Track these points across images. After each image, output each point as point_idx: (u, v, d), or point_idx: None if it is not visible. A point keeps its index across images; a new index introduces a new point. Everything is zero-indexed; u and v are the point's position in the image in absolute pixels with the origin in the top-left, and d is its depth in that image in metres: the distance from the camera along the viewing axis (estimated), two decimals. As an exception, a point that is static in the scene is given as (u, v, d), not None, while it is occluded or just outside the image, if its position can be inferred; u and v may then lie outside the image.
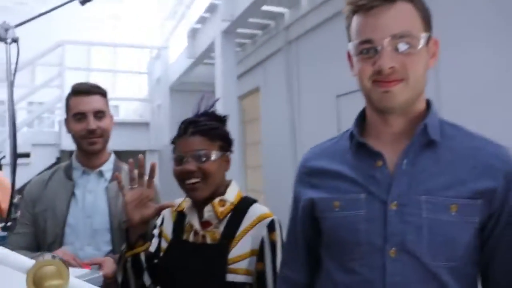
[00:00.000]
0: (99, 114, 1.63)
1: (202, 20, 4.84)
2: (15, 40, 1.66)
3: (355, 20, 0.92)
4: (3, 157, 5.19)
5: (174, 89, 6.36)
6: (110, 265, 1.46)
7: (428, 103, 0.97)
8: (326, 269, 1.01)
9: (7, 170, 4.51)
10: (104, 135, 1.65)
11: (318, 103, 3.85)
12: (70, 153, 5.29)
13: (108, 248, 1.60)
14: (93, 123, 1.60)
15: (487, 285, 0.93)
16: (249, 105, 5.70)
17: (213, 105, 1.44)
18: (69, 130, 1.65)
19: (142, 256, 1.32)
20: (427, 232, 0.86)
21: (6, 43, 1.65)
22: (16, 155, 1.61)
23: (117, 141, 2.10)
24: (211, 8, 4.45)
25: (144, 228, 1.33)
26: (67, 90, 1.78)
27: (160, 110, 5.46)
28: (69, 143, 4.81)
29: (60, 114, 5.69)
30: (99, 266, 1.45)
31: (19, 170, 3.27)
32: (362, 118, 1.02)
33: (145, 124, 5.23)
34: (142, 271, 1.33)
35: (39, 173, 3.66)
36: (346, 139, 1.03)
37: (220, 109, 4.55)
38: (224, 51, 4.16)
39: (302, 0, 3.94)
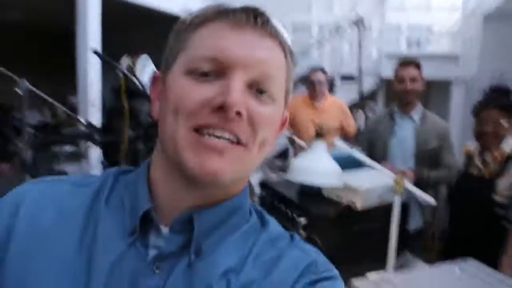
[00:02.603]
0: (413, 79, 2.57)
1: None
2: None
3: None
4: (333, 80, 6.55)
5: (488, 18, 6.43)
6: (410, 174, 2.42)
7: None
8: None
9: (339, 92, 5.81)
10: (415, 93, 2.58)
11: None
12: (387, 81, 6.39)
13: (412, 166, 2.56)
14: (409, 86, 2.56)
15: None
16: None
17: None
18: (394, 88, 2.67)
19: None
20: None
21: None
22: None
23: (428, 72, 2.83)
24: None
25: None
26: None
27: (472, 42, 5.81)
28: (388, 73, 5.87)
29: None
30: (404, 173, 2.45)
31: (347, 90, 5.03)
32: None
33: (454, 57, 5.75)
34: None
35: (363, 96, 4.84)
36: None
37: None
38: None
39: None
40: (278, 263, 0.61)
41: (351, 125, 3.71)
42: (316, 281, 0.60)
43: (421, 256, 2.34)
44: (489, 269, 1.33)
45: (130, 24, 6.19)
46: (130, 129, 2.34)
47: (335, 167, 1.47)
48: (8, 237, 0.60)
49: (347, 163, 1.77)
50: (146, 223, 0.60)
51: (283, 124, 0.66)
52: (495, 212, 2.13)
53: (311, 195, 1.87)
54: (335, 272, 0.63)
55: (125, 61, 2.39)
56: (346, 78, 5.66)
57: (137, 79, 2.38)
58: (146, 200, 0.61)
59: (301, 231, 1.61)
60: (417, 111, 2.63)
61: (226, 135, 0.55)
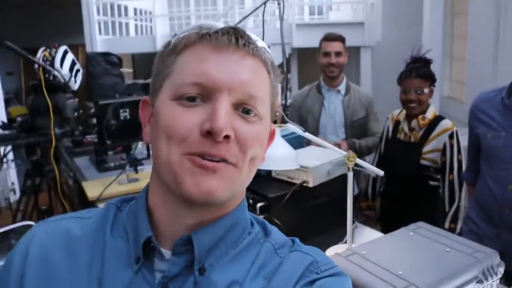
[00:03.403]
0: (338, 54, 2.65)
1: None
2: None
3: None
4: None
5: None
6: (345, 146, 2.56)
7: None
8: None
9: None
10: (339, 66, 2.67)
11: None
12: (299, 50, 6.51)
13: (343, 136, 2.71)
14: (334, 59, 2.64)
15: None
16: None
17: (424, 54, 2.33)
18: (319, 61, 2.73)
19: None
20: None
21: None
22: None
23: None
24: None
25: None
26: None
27: (373, 9, 6.12)
28: (299, 42, 6.01)
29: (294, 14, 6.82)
30: (339, 145, 2.57)
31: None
32: None
33: (360, 24, 6.04)
34: None
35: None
36: (502, 94, 1.79)
37: None
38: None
39: None
40: (280, 269, 0.63)
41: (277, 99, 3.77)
42: (316, 280, 0.61)
43: (360, 217, 2.51)
44: (437, 229, 1.45)
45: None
46: (57, 127, 2.18)
47: (291, 150, 1.49)
48: (21, 280, 0.62)
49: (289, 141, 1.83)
50: (149, 249, 0.62)
51: (271, 137, 0.69)
52: (422, 173, 2.32)
53: (260, 177, 1.89)
54: (338, 269, 0.64)
55: (42, 54, 2.19)
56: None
57: (58, 71, 2.21)
58: (146, 228, 0.62)
59: (259, 216, 1.62)
60: (343, 84, 2.74)
61: (217, 159, 0.57)
